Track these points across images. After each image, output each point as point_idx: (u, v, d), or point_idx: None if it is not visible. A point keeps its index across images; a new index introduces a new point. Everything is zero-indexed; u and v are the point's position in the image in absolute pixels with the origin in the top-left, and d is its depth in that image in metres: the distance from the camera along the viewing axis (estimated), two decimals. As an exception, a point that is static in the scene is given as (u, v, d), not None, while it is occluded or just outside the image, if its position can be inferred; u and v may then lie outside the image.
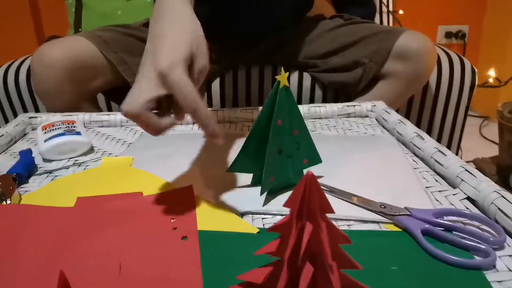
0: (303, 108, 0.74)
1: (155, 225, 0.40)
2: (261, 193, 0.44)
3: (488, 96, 1.86)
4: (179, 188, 0.47)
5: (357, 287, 0.27)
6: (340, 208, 0.43)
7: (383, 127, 0.69)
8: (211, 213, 0.42)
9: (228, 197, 0.46)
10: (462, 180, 0.46)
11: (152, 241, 0.38)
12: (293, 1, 0.92)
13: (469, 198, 0.44)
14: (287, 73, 0.41)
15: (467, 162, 1.41)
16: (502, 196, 0.40)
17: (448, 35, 2.01)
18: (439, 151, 0.51)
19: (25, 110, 1.01)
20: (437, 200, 0.44)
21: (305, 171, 0.49)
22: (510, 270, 0.33)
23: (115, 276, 0.33)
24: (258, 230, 0.39)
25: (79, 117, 0.73)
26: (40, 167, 0.56)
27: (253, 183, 0.48)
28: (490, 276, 0.32)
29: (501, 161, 1.28)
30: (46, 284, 0.32)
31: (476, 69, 0.97)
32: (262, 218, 0.42)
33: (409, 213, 0.39)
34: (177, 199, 0.44)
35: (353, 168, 0.52)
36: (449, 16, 1.99)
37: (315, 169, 0.49)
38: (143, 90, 0.39)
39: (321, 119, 0.75)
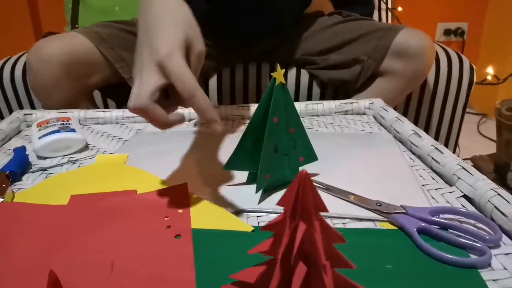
0: (300, 106, 0.74)
1: (148, 223, 0.40)
2: (256, 191, 0.44)
3: (486, 93, 1.86)
4: (173, 186, 0.47)
5: (351, 286, 0.27)
6: (336, 206, 0.42)
7: (381, 124, 0.68)
8: (205, 211, 0.42)
9: (223, 195, 0.46)
10: (459, 178, 0.45)
11: (145, 240, 0.37)
12: (292, 1, 0.92)
13: (465, 196, 0.44)
14: (283, 70, 0.41)
15: (465, 159, 1.42)
16: (499, 194, 0.40)
17: (447, 32, 2.01)
18: (436, 148, 0.51)
19: (20, 107, 1.01)
20: (433, 198, 0.44)
21: (301, 168, 0.48)
22: (505, 269, 0.33)
23: (107, 274, 0.32)
24: (252, 228, 0.39)
25: (74, 114, 0.72)
26: (34, 165, 0.56)
27: (249, 181, 0.48)
28: (485, 274, 0.32)
29: (498, 158, 1.28)
30: (38, 282, 0.32)
31: (474, 67, 0.97)
32: (257, 216, 0.42)
33: (405, 211, 0.39)
34: (171, 197, 0.44)
35: (349, 166, 0.52)
36: (448, 13, 1.98)
37: (311, 167, 0.49)
38: (146, 83, 0.38)
39: (318, 116, 0.74)
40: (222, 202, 0.44)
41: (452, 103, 0.98)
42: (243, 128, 0.68)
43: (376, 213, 0.41)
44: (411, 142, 0.56)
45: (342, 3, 1.07)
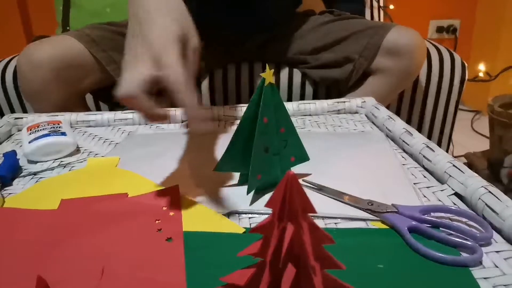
0: (292, 105, 0.74)
1: (139, 227, 0.39)
2: (248, 192, 0.44)
3: (479, 90, 1.87)
4: (165, 188, 0.46)
5: (341, 287, 0.27)
6: (327, 206, 0.42)
7: (373, 123, 0.68)
8: (197, 214, 0.42)
9: (214, 196, 0.45)
10: (450, 175, 0.45)
11: (136, 243, 0.37)
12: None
13: (457, 194, 0.44)
14: (272, 70, 0.41)
15: (459, 156, 1.43)
16: (490, 192, 0.40)
17: (440, 29, 2.02)
18: (427, 146, 0.51)
19: (12, 111, 1.00)
20: (425, 196, 0.44)
21: (293, 169, 0.48)
22: (496, 267, 0.33)
23: (97, 280, 0.32)
24: (244, 230, 0.39)
25: (66, 117, 0.72)
26: (24, 169, 0.55)
27: (240, 182, 0.48)
28: (476, 272, 0.32)
29: (492, 155, 1.28)
30: (26, 289, 0.32)
31: (466, 64, 0.97)
32: (249, 218, 0.42)
33: (396, 210, 0.39)
34: (162, 200, 0.44)
35: (341, 165, 0.52)
36: (440, 10, 1.99)
37: (303, 167, 0.49)
38: (138, 72, 0.38)
39: (311, 116, 0.74)
40: (213, 204, 0.44)
41: (444, 100, 0.99)
42: (235, 128, 0.68)
43: (367, 212, 0.41)
44: (403, 141, 0.56)
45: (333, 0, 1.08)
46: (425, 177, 0.48)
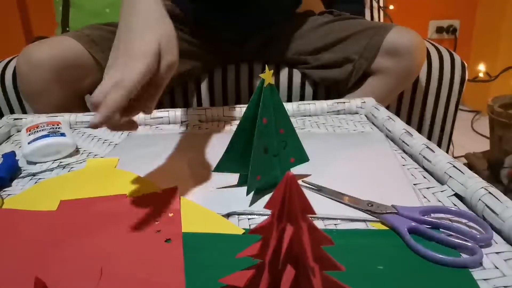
0: (292, 106, 0.74)
1: (138, 228, 0.39)
2: (247, 193, 0.44)
3: (480, 90, 1.87)
4: (164, 190, 0.46)
5: (341, 289, 0.26)
6: (327, 207, 0.42)
7: (373, 123, 0.68)
8: (196, 215, 0.42)
9: (214, 197, 0.45)
10: (450, 176, 0.45)
11: (135, 245, 0.37)
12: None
13: (457, 195, 0.44)
14: (271, 71, 0.41)
15: (459, 157, 1.43)
16: (490, 193, 0.40)
17: (439, 30, 2.02)
18: (427, 147, 0.51)
19: (12, 112, 1.00)
20: (424, 197, 0.44)
21: (292, 169, 0.48)
22: (496, 268, 0.33)
23: (95, 281, 0.32)
24: (243, 231, 0.39)
25: (65, 118, 0.72)
26: (24, 170, 0.55)
27: (240, 183, 0.48)
28: (476, 274, 0.32)
29: (492, 155, 1.28)
30: (25, 290, 0.32)
31: (466, 64, 0.97)
32: (249, 219, 0.41)
33: (396, 211, 0.39)
34: (161, 201, 0.44)
35: (341, 166, 0.52)
36: (440, 11, 1.99)
37: (303, 168, 0.49)
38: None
39: (310, 116, 0.74)
40: (213, 205, 0.44)
41: (444, 100, 0.99)
42: (234, 129, 0.68)
43: (367, 213, 0.40)
44: (403, 141, 0.56)
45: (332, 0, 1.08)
46: (425, 177, 0.48)
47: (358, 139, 0.61)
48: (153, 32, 0.43)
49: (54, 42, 0.78)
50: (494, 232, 0.37)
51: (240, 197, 0.44)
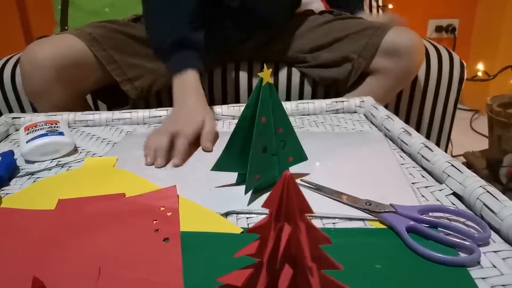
0: (291, 105, 0.74)
1: (137, 227, 0.39)
2: (246, 192, 0.44)
3: (479, 89, 1.87)
4: (163, 189, 0.46)
5: (339, 288, 0.26)
6: (325, 206, 0.42)
7: (371, 122, 0.68)
8: (194, 214, 0.42)
9: (212, 196, 0.45)
10: (448, 175, 0.45)
11: (134, 244, 0.37)
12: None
13: (455, 194, 0.44)
14: (270, 70, 0.41)
15: (457, 156, 1.43)
16: (488, 192, 0.40)
17: (439, 29, 2.02)
18: (426, 146, 0.51)
19: (10, 110, 1.00)
20: (423, 196, 0.44)
21: (291, 169, 0.48)
22: (494, 267, 0.33)
23: (93, 280, 0.32)
24: (241, 230, 0.39)
25: (63, 117, 0.71)
26: (22, 169, 0.55)
27: (238, 182, 0.48)
28: (474, 273, 0.32)
29: (491, 154, 1.28)
30: (23, 290, 0.31)
31: (465, 63, 0.97)
32: (247, 218, 0.41)
33: (394, 210, 0.39)
34: (160, 200, 0.44)
35: (340, 165, 0.52)
36: (439, 10, 1.99)
37: (301, 167, 0.49)
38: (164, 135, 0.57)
39: (309, 115, 0.74)
40: (211, 204, 0.44)
41: (443, 100, 0.99)
42: (233, 128, 0.68)
43: (365, 212, 0.40)
44: (401, 140, 0.56)
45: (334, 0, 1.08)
46: (423, 177, 0.48)
47: (356, 138, 0.61)
48: (201, 111, 0.62)
49: (56, 40, 0.78)
50: (492, 231, 0.37)
51: (239, 196, 0.44)
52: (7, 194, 0.48)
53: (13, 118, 0.72)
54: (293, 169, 0.48)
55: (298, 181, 0.47)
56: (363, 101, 0.74)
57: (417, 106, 0.99)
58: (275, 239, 0.25)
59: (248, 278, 0.28)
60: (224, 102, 0.98)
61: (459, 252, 0.34)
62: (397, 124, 0.60)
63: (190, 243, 0.37)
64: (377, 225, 0.39)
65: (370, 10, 1.37)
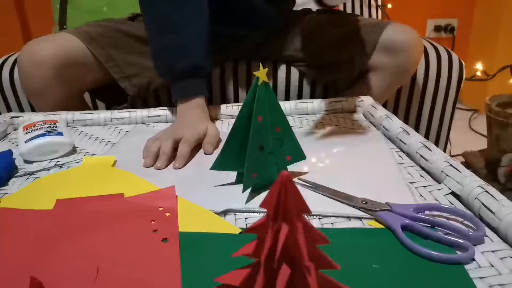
0: (290, 104, 0.74)
1: (135, 228, 0.39)
2: (243, 190, 0.44)
3: (478, 89, 1.87)
4: (161, 189, 0.46)
5: (336, 287, 0.26)
6: (322, 205, 0.42)
7: (370, 122, 0.68)
8: (193, 214, 0.42)
9: (211, 195, 0.45)
10: (447, 175, 0.45)
11: (132, 244, 0.37)
12: None
13: (453, 193, 0.44)
14: (266, 69, 0.41)
15: (456, 155, 1.43)
16: (486, 191, 0.40)
17: (437, 28, 2.02)
18: (424, 146, 0.51)
19: (9, 110, 1.00)
20: (421, 196, 0.44)
21: (289, 167, 0.48)
22: (492, 266, 0.33)
23: (91, 281, 0.32)
24: (240, 230, 0.39)
25: (62, 117, 0.71)
26: (20, 169, 0.55)
27: (237, 181, 0.48)
28: (472, 272, 0.32)
29: (489, 154, 1.28)
30: (21, 290, 0.31)
31: (463, 63, 0.97)
32: (245, 218, 0.41)
33: (390, 209, 0.39)
34: (158, 200, 0.44)
35: (337, 164, 0.52)
36: (438, 9, 1.99)
37: (299, 165, 0.49)
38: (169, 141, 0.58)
39: (308, 115, 0.74)
40: (210, 203, 0.44)
41: (442, 99, 0.99)
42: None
43: (362, 210, 0.41)
44: (400, 140, 0.56)
45: None
46: (422, 176, 0.48)
47: (355, 137, 0.61)
48: (205, 121, 0.64)
49: (55, 39, 0.78)
50: (490, 231, 0.37)
51: (237, 195, 0.44)
52: (5, 194, 0.48)
53: (12, 117, 0.71)
54: (291, 167, 0.48)
55: (295, 180, 0.47)
56: (362, 100, 0.74)
57: (416, 106, 0.99)
58: (272, 239, 0.25)
59: (245, 278, 0.28)
60: (223, 101, 0.97)
61: (456, 251, 0.35)
62: (395, 124, 0.60)
63: (189, 243, 0.37)
64: (375, 224, 0.39)
65: (369, 9, 1.37)
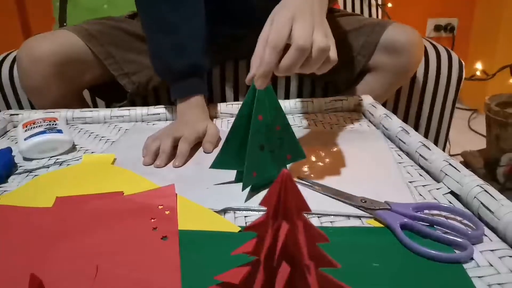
0: (290, 103, 0.74)
1: (135, 225, 0.39)
2: (243, 189, 0.44)
3: (477, 89, 1.87)
4: (161, 187, 0.46)
5: (336, 286, 0.27)
6: (321, 203, 0.42)
7: (370, 121, 0.68)
8: (192, 212, 0.42)
9: (210, 194, 0.45)
10: (446, 174, 0.45)
11: (131, 242, 0.37)
12: None
13: (452, 193, 0.44)
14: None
15: (455, 155, 1.43)
16: (485, 191, 0.40)
17: (437, 28, 2.02)
18: (424, 145, 0.51)
19: (8, 107, 0.99)
20: (420, 195, 0.44)
21: (288, 166, 0.48)
22: (491, 265, 0.33)
23: (91, 279, 0.32)
24: (239, 229, 0.39)
25: (62, 114, 0.71)
26: (20, 166, 0.55)
27: (237, 180, 0.48)
28: (471, 271, 0.32)
29: (488, 154, 1.29)
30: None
31: (463, 62, 0.97)
32: (245, 216, 0.41)
33: (389, 207, 0.39)
34: (158, 199, 0.44)
35: (337, 163, 0.52)
36: (438, 9, 1.99)
37: (299, 164, 0.49)
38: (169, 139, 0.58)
39: (308, 114, 0.74)
40: (209, 201, 0.44)
41: (441, 98, 0.99)
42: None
43: (361, 209, 0.41)
44: (399, 139, 0.56)
45: None
46: (421, 175, 0.49)
47: (355, 136, 0.61)
48: (205, 121, 0.65)
49: (54, 36, 0.77)
50: (489, 230, 0.37)
51: (237, 194, 0.44)
52: (4, 191, 0.48)
53: (11, 114, 0.71)
54: (291, 166, 0.48)
55: (295, 178, 0.47)
56: (362, 99, 0.74)
57: (415, 105, 0.99)
58: (272, 237, 0.25)
59: (245, 276, 0.28)
60: (223, 100, 0.97)
61: (454, 250, 0.35)
62: (395, 123, 0.60)
63: (188, 241, 0.37)
64: (374, 223, 0.39)
65: (370, 9, 1.37)
